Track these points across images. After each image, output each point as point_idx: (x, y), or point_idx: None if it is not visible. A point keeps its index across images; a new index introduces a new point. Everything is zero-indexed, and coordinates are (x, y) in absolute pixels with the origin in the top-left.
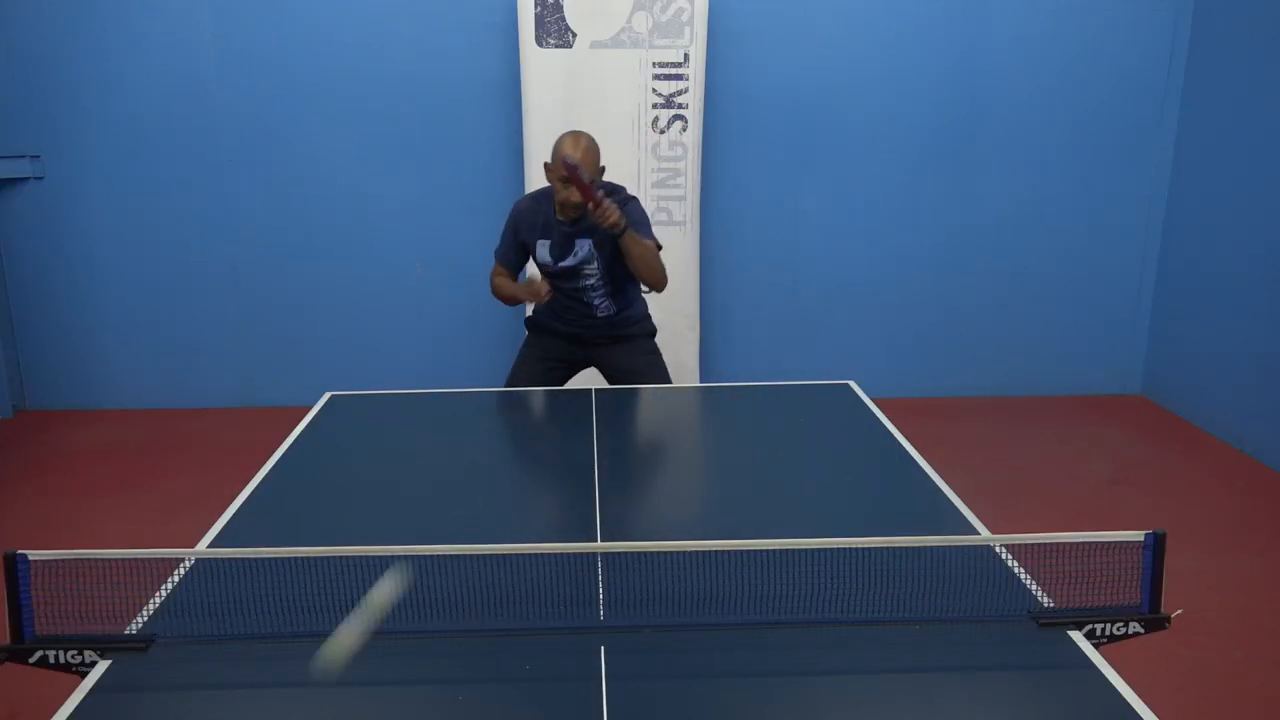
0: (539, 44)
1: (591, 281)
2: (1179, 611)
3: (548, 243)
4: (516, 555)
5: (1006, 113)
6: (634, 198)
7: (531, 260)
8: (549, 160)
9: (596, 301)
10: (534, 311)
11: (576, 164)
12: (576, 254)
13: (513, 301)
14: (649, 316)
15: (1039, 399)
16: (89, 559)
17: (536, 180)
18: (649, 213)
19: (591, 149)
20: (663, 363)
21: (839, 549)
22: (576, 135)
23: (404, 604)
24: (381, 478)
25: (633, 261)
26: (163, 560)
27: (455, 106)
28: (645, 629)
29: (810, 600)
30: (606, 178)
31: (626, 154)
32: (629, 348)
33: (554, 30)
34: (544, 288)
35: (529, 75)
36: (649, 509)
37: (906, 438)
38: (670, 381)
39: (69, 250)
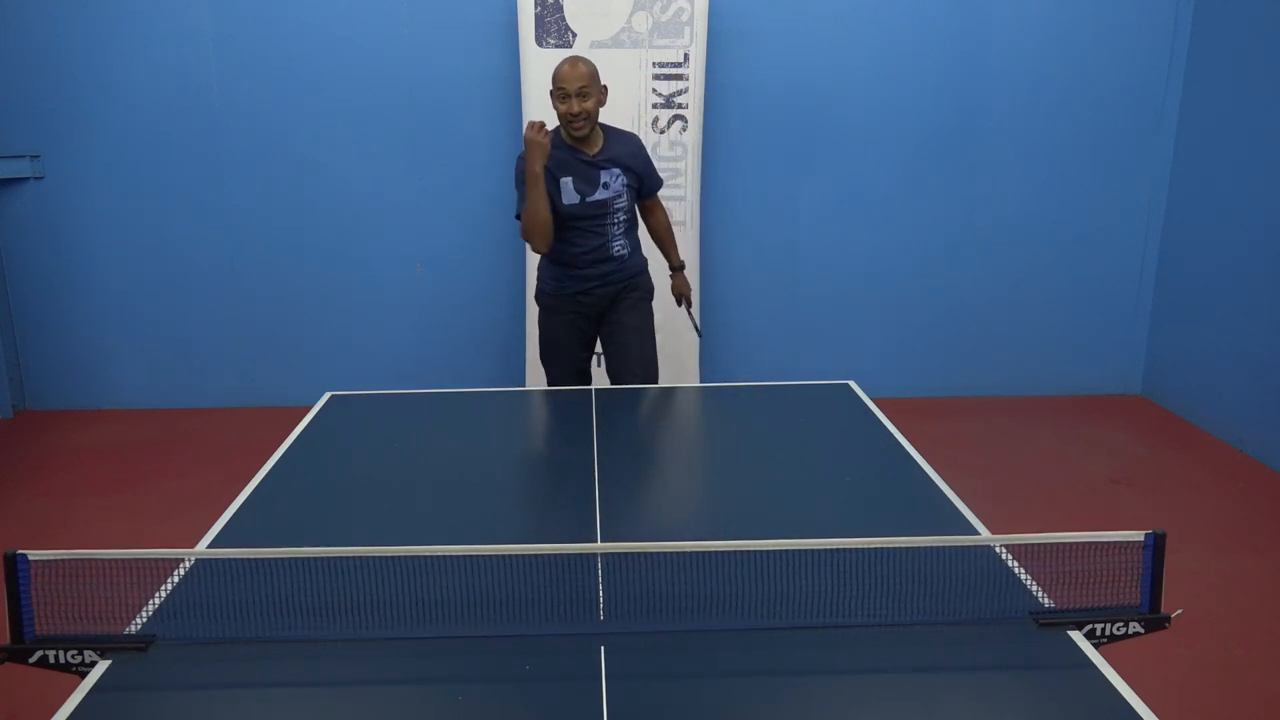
0: (539, 44)
1: (620, 215)
2: (1179, 611)
3: (570, 180)
4: (516, 555)
5: (1006, 113)
6: (642, 146)
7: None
8: (551, 88)
9: (616, 242)
10: (547, 276)
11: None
12: (608, 186)
13: (540, 200)
14: (648, 273)
15: (1039, 399)
16: (89, 559)
17: None
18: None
19: (591, 74)
20: (653, 330)
21: (839, 549)
22: (574, 62)
23: (404, 604)
24: (381, 478)
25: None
26: (163, 560)
27: (455, 106)
28: (645, 630)
29: (810, 600)
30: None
31: None
32: (629, 305)
33: (554, 30)
34: (535, 125)
35: (529, 75)
36: (649, 509)
37: (906, 438)
38: (654, 358)
39: (69, 250)
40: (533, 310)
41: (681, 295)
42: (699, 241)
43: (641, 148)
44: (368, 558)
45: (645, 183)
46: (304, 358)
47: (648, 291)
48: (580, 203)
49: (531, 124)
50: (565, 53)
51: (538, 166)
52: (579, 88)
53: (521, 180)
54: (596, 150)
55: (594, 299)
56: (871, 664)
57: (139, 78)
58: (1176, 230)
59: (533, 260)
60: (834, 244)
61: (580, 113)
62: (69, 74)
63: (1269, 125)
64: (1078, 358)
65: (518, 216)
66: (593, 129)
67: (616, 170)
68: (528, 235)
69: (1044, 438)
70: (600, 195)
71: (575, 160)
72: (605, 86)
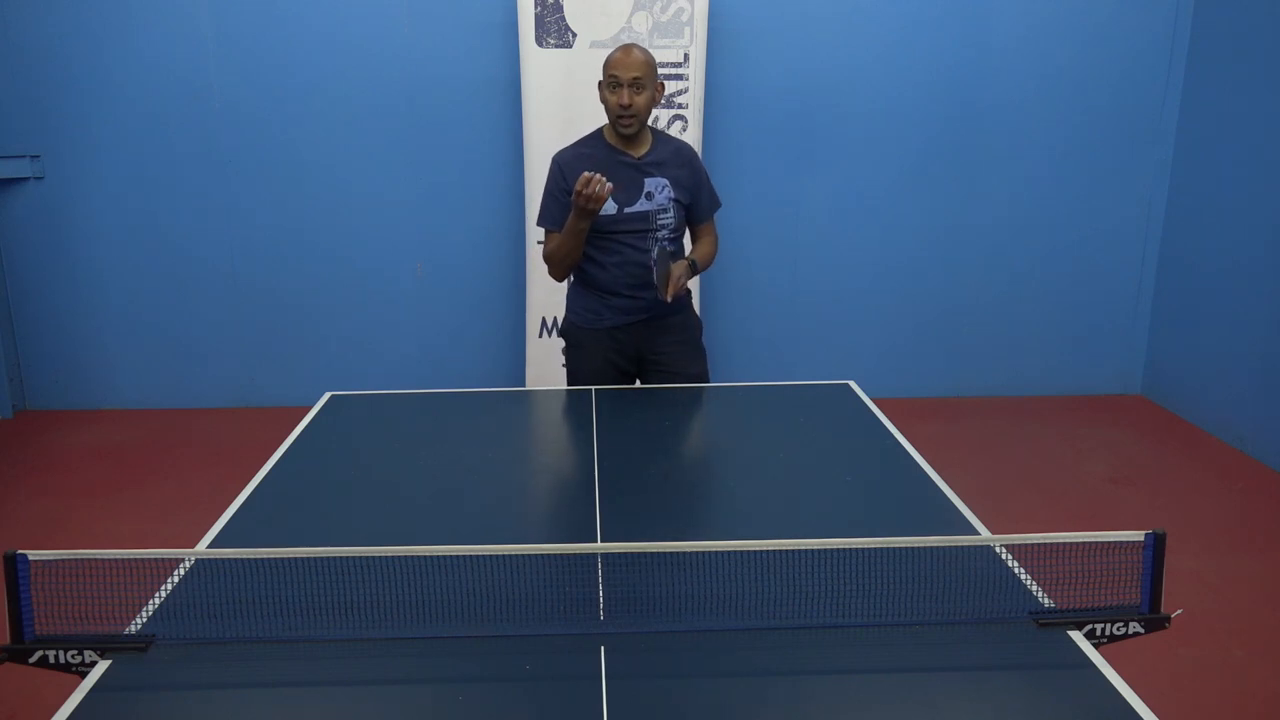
0: (539, 44)
1: (664, 233)
2: (1179, 611)
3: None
4: (516, 556)
5: (1006, 112)
6: (696, 157)
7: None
8: (601, 79)
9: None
10: (578, 307)
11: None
12: (651, 196)
13: (575, 248)
14: (693, 306)
15: (1039, 399)
16: (89, 559)
17: (537, 180)
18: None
19: (649, 63)
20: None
21: (839, 549)
22: (629, 49)
23: (404, 604)
24: (381, 478)
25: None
26: (163, 560)
27: (455, 106)
28: (645, 630)
29: (810, 600)
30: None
31: None
32: (683, 345)
33: (554, 30)
34: (592, 178)
35: (529, 75)
36: (649, 509)
37: (906, 438)
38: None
39: (69, 250)
40: (534, 310)
41: (670, 273)
42: None
43: (695, 158)
44: (368, 558)
45: (698, 201)
46: (304, 358)
47: (698, 325)
48: (617, 213)
49: (590, 186)
50: (565, 53)
51: (585, 223)
52: (633, 78)
53: (556, 194)
54: (643, 153)
55: (632, 336)
56: (871, 664)
57: (139, 78)
58: (1176, 230)
59: (534, 260)
60: (834, 244)
61: (631, 106)
62: (69, 74)
63: (1269, 125)
64: (1078, 358)
65: (540, 224)
66: (642, 128)
67: (663, 180)
68: (548, 262)
69: (1044, 438)
70: (641, 206)
71: (616, 162)
72: (662, 83)
